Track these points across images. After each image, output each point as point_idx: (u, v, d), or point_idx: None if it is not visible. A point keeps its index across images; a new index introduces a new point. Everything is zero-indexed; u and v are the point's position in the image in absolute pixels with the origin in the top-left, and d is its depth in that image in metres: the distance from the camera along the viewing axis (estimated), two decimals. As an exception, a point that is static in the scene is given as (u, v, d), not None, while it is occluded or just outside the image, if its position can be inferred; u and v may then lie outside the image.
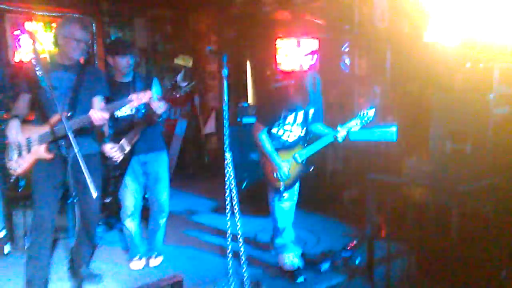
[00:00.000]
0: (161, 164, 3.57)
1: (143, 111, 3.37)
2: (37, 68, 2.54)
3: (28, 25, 6.03)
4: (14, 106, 3.04)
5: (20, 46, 5.95)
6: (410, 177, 3.54)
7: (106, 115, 2.86)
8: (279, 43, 6.30)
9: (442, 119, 3.75)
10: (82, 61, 3.08)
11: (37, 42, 2.56)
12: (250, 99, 7.15)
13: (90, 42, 4.07)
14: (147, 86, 3.39)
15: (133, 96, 2.88)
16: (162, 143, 3.64)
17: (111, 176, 3.49)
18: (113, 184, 3.48)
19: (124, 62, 3.32)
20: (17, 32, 5.95)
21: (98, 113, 2.83)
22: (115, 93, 3.30)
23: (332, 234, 4.27)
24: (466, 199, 3.21)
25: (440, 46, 4.31)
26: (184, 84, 3.35)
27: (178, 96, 3.37)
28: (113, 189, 3.66)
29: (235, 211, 3.09)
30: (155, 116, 3.28)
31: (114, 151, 3.27)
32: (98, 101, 3.06)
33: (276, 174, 3.34)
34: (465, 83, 3.74)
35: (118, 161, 3.31)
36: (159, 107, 3.13)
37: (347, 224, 4.48)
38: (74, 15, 6.17)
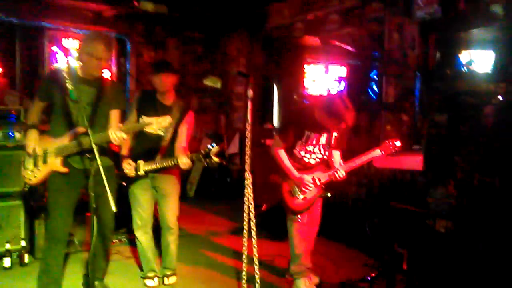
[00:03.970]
0: (169, 182, 3.50)
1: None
2: (67, 80, 2.60)
3: (65, 42, 6.31)
4: (28, 113, 3.10)
5: (56, 62, 6.20)
6: (435, 209, 3.43)
7: (125, 136, 2.84)
8: (307, 68, 6.33)
9: (471, 150, 3.64)
10: (107, 76, 3.10)
11: (72, 58, 2.62)
12: (275, 122, 7.16)
13: (111, 60, 4.07)
14: (181, 117, 3.42)
15: (152, 120, 2.85)
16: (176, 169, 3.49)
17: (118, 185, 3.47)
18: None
19: (167, 81, 3.35)
20: (54, 48, 6.23)
21: (116, 134, 2.80)
22: (156, 113, 3.22)
23: (352, 263, 4.15)
24: (493, 234, 3.07)
25: (471, 76, 4.22)
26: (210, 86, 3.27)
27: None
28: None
29: (253, 234, 3.05)
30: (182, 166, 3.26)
31: (128, 169, 3.30)
32: (115, 115, 3.08)
33: (293, 192, 3.28)
34: (495, 115, 3.65)
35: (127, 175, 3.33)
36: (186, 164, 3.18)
37: (368, 254, 4.35)
38: (111, 34, 6.41)
